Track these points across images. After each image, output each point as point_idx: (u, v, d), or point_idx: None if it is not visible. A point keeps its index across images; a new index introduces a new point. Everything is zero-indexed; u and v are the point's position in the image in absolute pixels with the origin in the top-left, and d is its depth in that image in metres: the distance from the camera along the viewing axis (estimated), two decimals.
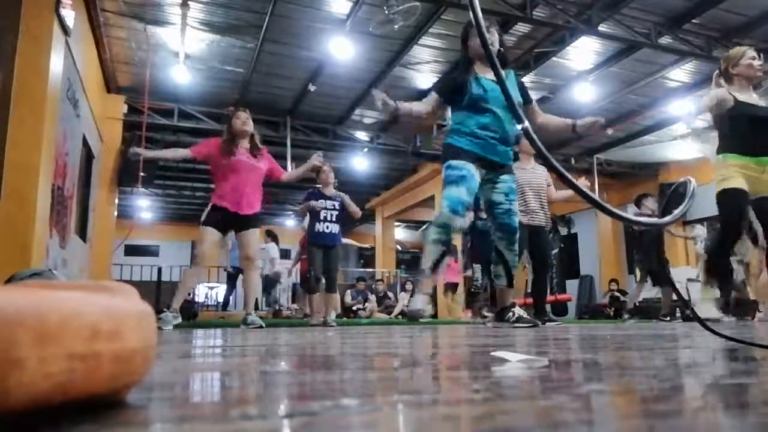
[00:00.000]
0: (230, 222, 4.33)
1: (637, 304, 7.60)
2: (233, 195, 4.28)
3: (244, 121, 4.43)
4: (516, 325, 3.48)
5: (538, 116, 3.63)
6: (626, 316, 7.03)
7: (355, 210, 5.67)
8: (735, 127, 3.56)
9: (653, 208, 6.97)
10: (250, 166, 4.38)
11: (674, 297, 7.13)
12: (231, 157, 4.31)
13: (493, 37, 3.51)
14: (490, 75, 3.49)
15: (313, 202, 5.46)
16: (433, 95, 3.55)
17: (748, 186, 3.48)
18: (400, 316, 10.27)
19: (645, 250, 6.83)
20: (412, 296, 3.48)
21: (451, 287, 11.97)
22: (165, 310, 4.13)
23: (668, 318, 6.78)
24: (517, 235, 3.52)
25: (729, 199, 3.49)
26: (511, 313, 3.56)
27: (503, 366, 0.90)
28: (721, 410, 0.49)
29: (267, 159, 4.54)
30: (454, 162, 3.41)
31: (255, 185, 4.42)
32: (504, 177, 3.49)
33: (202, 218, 4.33)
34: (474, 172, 3.37)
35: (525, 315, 3.61)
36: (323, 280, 5.56)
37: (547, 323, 4.93)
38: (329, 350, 1.43)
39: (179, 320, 4.15)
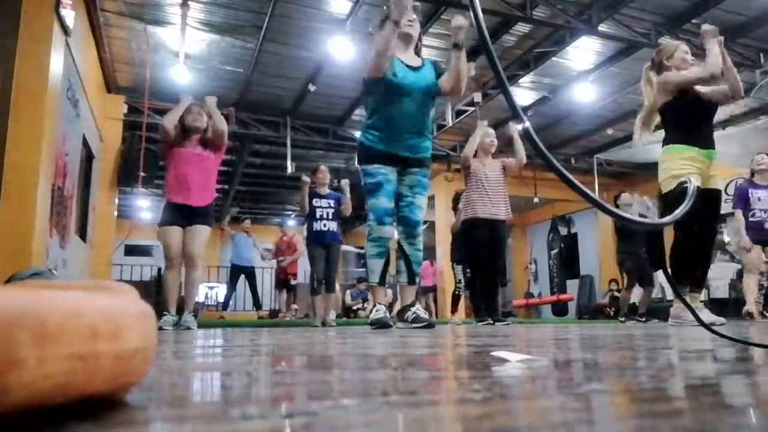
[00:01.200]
0: (185, 215, 4.26)
1: (636, 304, 7.56)
2: (181, 186, 4.24)
3: (195, 116, 4.38)
4: (413, 325, 3.27)
5: (448, 80, 3.45)
6: (621, 318, 7.01)
7: (347, 205, 5.70)
8: (685, 117, 3.52)
9: (629, 203, 6.97)
10: (198, 157, 4.33)
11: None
12: (178, 148, 4.29)
13: (417, 25, 3.46)
14: (408, 60, 3.41)
15: (303, 176, 5.55)
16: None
17: (700, 182, 3.38)
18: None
19: (636, 244, 6.76)
20: (374, 306, 3.48)
21: (430, 290, 12.01)
22: (166, 312, 4.14)
23: (644, 319, 6.77)
24: (419, 229, 3.42)
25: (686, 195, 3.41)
26: (410, 312, 3.35)
27: (503, 366, 0.90)
28: (721, 410, 0.49)
29: (216, 144, 4.45)
30: (368, 167, 3.37)
31: (205, 175, 4.36)
32: (413, 170, 3.42)
33: (160, 220, 4.32)
34: (389, 173, 3.35)
35: (423, 314, 3.37)
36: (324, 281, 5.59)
37: (496, 323, 4.90)
38: (329, 350, 1.43)
39: (176, 323, 4.16)
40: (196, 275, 4.36)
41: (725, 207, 6.03)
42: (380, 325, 3.20)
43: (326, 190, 5.68)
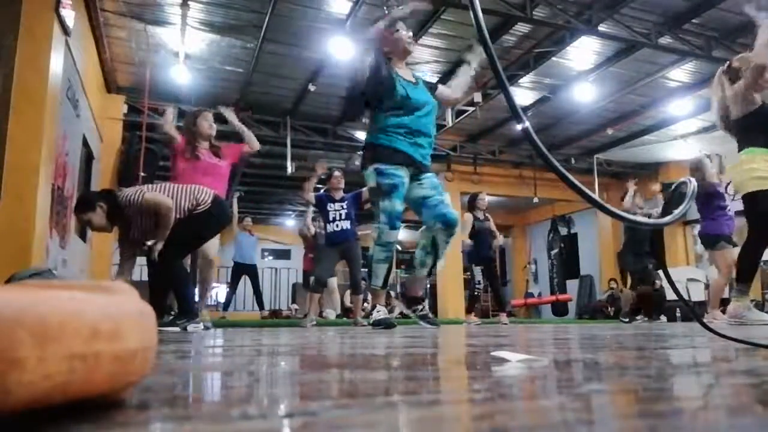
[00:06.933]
0: None
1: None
2: None
3: (211, 124, 4.38)
4: (420, 322, 3.45)
5: (451, 91, 3.63)
6: (625, 319, 7.03)
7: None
8: (762, 123, 3.63)
9: (640, 204, 6.98)
10: (213, 166, 4.34)
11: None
12: (194, 158, 4.28)
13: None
14: (407, 76, 3.50)
15: (317, 166, 5.75)
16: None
17: None
18: (399, 317, 10.27)
19: (640, 245, 6.80)
20: (373, 309, 3.54)
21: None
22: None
23: (647, 318, 6.88)
24: (457, 228, 3.43)
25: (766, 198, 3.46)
26: (421, 306, 3.51)
27: (503, 366, 0.90)
28: (721, 410, 0.49)
29: (228, 152, 4.47)
30: (386, 167, 3.31)
31: (218, 183, 4.33)
32: (427, 175, 3.43)
33: None
34: (405, 178, 3.32)
35: (431, 315, 3.58)
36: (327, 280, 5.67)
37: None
38: (329, 350, 1.43)
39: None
40: (211, 275, 4.61)
41: (692, 211, 5.99)
42: (384, 324, 3.28)
43: (340, 194, 5.79)
